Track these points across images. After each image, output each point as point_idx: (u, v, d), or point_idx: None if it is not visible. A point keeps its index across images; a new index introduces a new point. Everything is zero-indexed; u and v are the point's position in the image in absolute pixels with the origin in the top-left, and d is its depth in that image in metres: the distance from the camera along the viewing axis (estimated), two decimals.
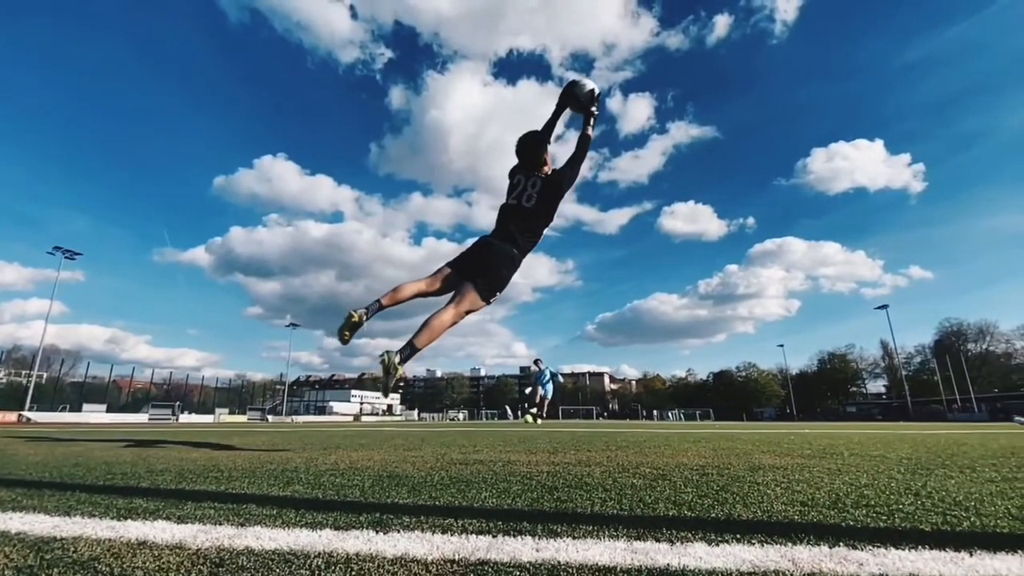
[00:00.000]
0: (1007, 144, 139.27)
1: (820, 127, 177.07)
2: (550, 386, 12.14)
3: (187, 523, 1.35)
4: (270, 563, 1.01)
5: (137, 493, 1.87)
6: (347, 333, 3.01)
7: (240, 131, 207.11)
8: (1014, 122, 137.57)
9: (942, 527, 1.31)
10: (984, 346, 62.85)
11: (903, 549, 1.10)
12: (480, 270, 3.20)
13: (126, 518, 1.41)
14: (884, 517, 1.43)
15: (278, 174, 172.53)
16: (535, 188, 3.35)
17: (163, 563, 1.01)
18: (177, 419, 32.01)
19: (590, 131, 3.46)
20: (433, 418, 62.24)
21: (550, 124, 3.50)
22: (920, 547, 1.12)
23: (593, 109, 3.45)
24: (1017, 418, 18.28)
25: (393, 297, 3.16)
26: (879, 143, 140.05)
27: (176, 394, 42.75)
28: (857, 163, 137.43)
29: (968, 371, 50.51)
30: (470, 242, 3.46)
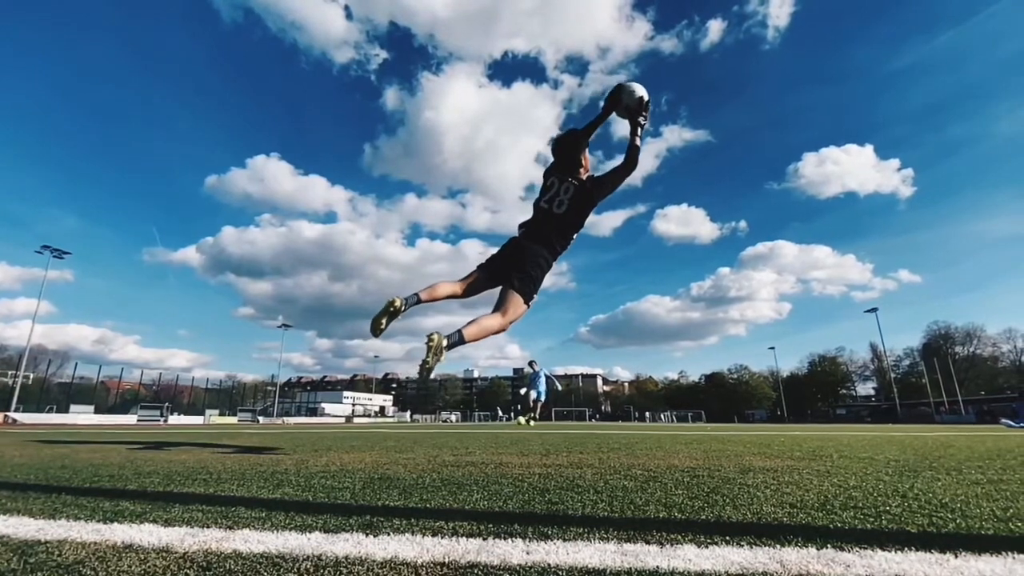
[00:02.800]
0: (993, 150, 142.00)
1: (811, 132, 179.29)
2: (544, 388, 12.14)
3: (174, 526, 1.33)
4: (258, 566, 1.00)
5: (124, 496, 1.84)
6: (383, 321, 2.98)
7: (233, 130, 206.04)
8: (1000, 128, 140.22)
9: (928, 529, 1.33)
10: (971, 349, 63.73)
11: (890, 551, 1.11)
12: (513, 273, 3.15)
13: (112, 521, 1.39)
14: (872, 519, 1.44)
15: (271, 174, 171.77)
16: (567, 194, 3.21)
17: (149, 567, 1.00)
18: (166, 420, 31.66)
19: (638, 141, 3.23)
20: (426, 419, 62.03)
21: (592, 126, 3.32)
22: (906, 549, 1.13)
23: (641, 119, 3.24)
24: (1004, 420, 18.54)
25: (430, 294, 3.14)
26: (869, 148, 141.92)
27: (165, 395, 42.32)
28: (847, 168, 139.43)
29: (956, 374, 51.19)
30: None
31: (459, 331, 2.95)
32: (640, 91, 3.24)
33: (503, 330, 3.11)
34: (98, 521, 1.39)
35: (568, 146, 3.31)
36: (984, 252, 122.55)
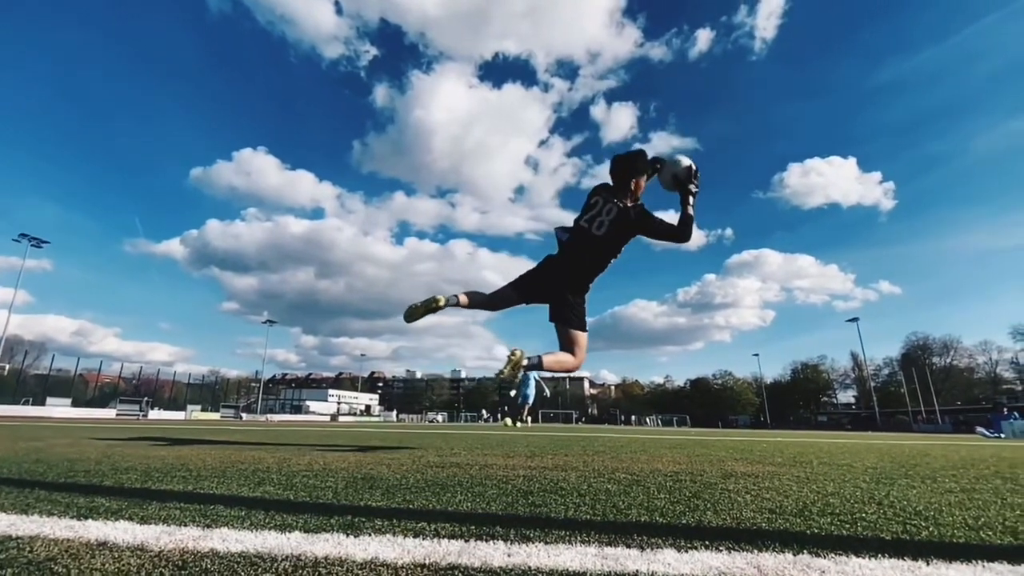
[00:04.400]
0: (970, 167, 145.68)
1: (797, 142, 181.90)
2: (533, 390, 12.17)
3: (151, 524, 1.31)
4: (235, 566, 0.98)
5: (100, 492, 1.81)
6: (420, 312, 3.17)
7: (219, 122, 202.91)
8: (977, 145, 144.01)
9: (902, 536, 1.36)
10: (948, 360, 65.15)
11: (863, 557, 1.13)
12: (559, 310, 3.26)
13: (87, 517, 1.37)
14: (848, 525, 1.46)
15: (257, 167, 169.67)
16: (609, 215, 3.16)
17: (123, 565, 0.98)
18: (146, 415, 31.11)
19: (691, 210, 3.17)
20: (412, 419, 61.70)
21: (652, 171, 3.33)
22: (880, 555, 1.15)
23: (691, 187, 3.20)
24: (979, 429, 18.97)
25: (468, 300, 3.30)
26: (852, 160, 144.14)
27: (146, 389, 41.62)
28: (831, 179, 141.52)
29: (933, 384, 52.28)
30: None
31: (539, 356, 3.11)
32: (686, 160, 3.26)
33: (578, 368, 3.25)
34: (72, 517, 1.37)
35: (626, 165, 3.26)
36: (962, 265, 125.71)
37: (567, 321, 3.22)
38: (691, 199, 3.20)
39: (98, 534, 1.19)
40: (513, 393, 12.40)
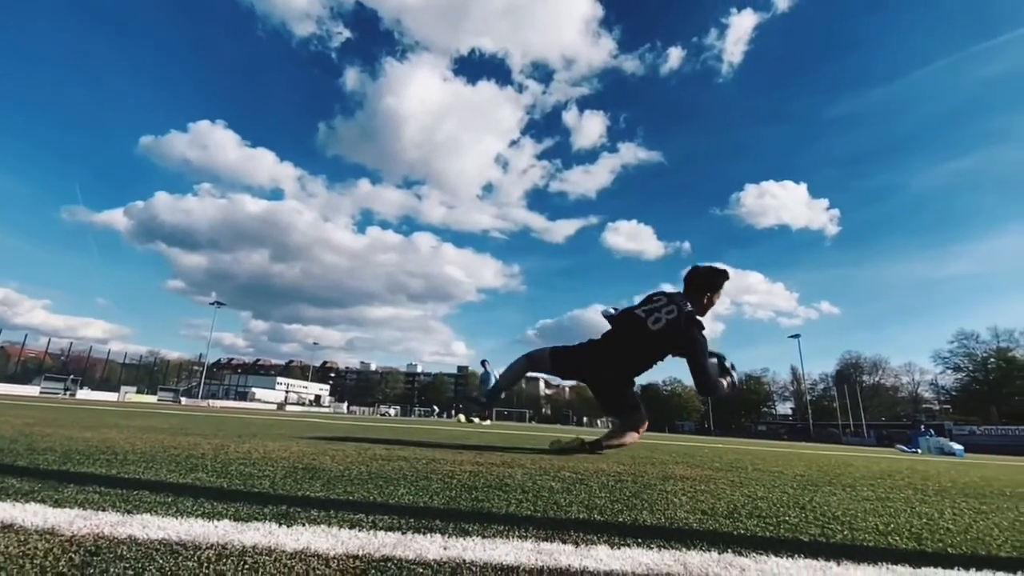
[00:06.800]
0: (910, 201, 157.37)
1: (754, 165, 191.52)
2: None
3: (65, 507, 1.22)
4: (153, 553, 0.94)
5: (11, 472, 1.68)
6: (462, 422, 3.55)
7: (176, 90, 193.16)
8: (917, 182, 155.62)
9: (819, 538, 1.44)
10: (877, 379, 70.11)
11: (782, 557, 1.20)
12: (611, 405, 3.58)
13: None
14: (772, 527, 1.55)
15: (215, 142, 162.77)
16: (669, 315, 3.21)
17: (29, 548, 0.91)
18: (73, 394, 29.08)
19: (726, 378, 3.41)
20: (364, 412, 60.44)
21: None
22: (797, 556, 1.22)
23: (728, 363, 3.41)
24: (898, 446, 20.47)
25: (509, 383, 3.84)
26: (803, 186, 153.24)
27: (75, 367, 38.88)
28: (784, 202, 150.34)
29: (862, 400, 55.99)
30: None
31: (602, 444, 3.47)
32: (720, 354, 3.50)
33: (638, 441, 3.70)
34: None
35: (708, 276, 3.42)
36: (895, 292, 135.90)
37: (627, 413, 3.49)
38: (724, 365, 3.44)
39: (4, 516, 1.11)
40: (475, 394, 12.42)
